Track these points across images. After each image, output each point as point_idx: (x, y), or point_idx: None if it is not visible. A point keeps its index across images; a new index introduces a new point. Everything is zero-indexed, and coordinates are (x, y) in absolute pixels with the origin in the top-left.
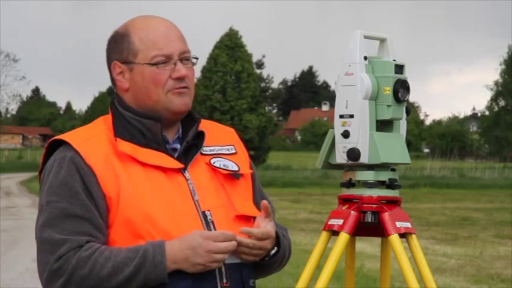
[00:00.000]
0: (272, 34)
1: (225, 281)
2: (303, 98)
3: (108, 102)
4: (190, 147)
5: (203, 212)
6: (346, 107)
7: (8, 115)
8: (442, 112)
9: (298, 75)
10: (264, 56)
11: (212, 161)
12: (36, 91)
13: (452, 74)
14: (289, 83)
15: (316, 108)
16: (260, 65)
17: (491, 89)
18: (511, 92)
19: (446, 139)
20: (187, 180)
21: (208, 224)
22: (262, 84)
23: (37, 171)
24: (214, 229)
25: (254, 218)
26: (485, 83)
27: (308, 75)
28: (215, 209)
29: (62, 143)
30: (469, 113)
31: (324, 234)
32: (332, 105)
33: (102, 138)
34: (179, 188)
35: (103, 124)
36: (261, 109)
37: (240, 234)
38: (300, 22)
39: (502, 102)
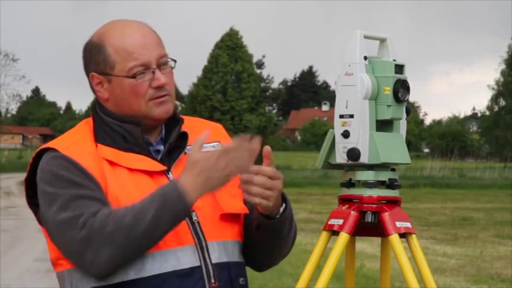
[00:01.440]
0: (272, 34)
1: (213, 281)
2: (303, 98)
3: None
4: (174, 148)
5: None
6: (346, 107)
7: (8, 115)
8: (442, 112)
9: (298, 75)
10: (264, 56)
11: None
12: (36, 91)
13: (452, 74)
14: (289, 83)
15: (316, 108)
16: (260, 65)
17: (493, 89)
18: (511, 92)
19: (446, 139)
20: (171, 181)
21: (193, 225)
22: (263, 84)
23: None
24: (200, 230)
25: (242, 215)
26: (485, 83)
27: (308, 75)
28: (200, 209)
29: (48, 150)
30: (469, 113)
31: (324, 234)
32: (332, 105)
33: (87, 140)
34: None
35: (86, 127)
36: (261, 109)
37: (225, 234)
38: (300, 22)
39: (502, 102)
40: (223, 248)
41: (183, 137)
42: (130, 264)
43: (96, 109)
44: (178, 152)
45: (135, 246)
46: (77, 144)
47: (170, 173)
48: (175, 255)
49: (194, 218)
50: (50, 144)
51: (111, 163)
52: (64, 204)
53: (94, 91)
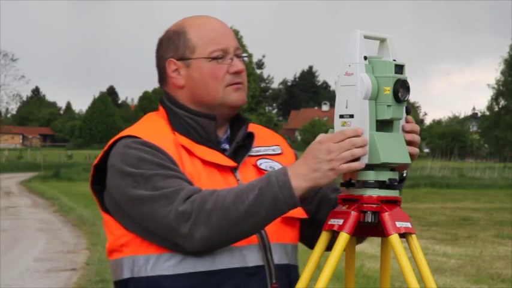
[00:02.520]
0: (272, 34)
1: (274, 281)
2: (303, 98)
3: (108, 102)
4: (239, 148)
5: None
6: (346, 107)
7: (8, 115)
8: (442, 112)
9: (298, 75)
10: (264, 56)
11: (258, 162)
12: (36, 91)
13: (452, 74)
14: (289, 83)
15: (316, 108)
16: (260, 65)
17: (493, 88)
18: (511, 92)
19: (446, 139)
20: (238, 180)
21: None
22: (263, 84)
23: (37, 171)
24: (264, 230)
25: (300, 219)
26: (485, 83)
27: (308, 75)
28: None
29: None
30: (469, 113)
31: (324, 234)
32: (332, 105)
33: (167, 130)
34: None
35: (161, 119)
36: (261, 109)
37: (285, 237)
38: (300, 22)
39: (502, 102)
40: (283, 250)
41: (249, 137)
42: (203, 257)
43: (165, 101)
44: (244, 152)
45: (230, 229)
46: (159, 132)
47: (237, 172)
48: (241, 253)
49: None
50: (129, 132)
51: (189, 152)
52: (156, 182)
53: (167, 79)
